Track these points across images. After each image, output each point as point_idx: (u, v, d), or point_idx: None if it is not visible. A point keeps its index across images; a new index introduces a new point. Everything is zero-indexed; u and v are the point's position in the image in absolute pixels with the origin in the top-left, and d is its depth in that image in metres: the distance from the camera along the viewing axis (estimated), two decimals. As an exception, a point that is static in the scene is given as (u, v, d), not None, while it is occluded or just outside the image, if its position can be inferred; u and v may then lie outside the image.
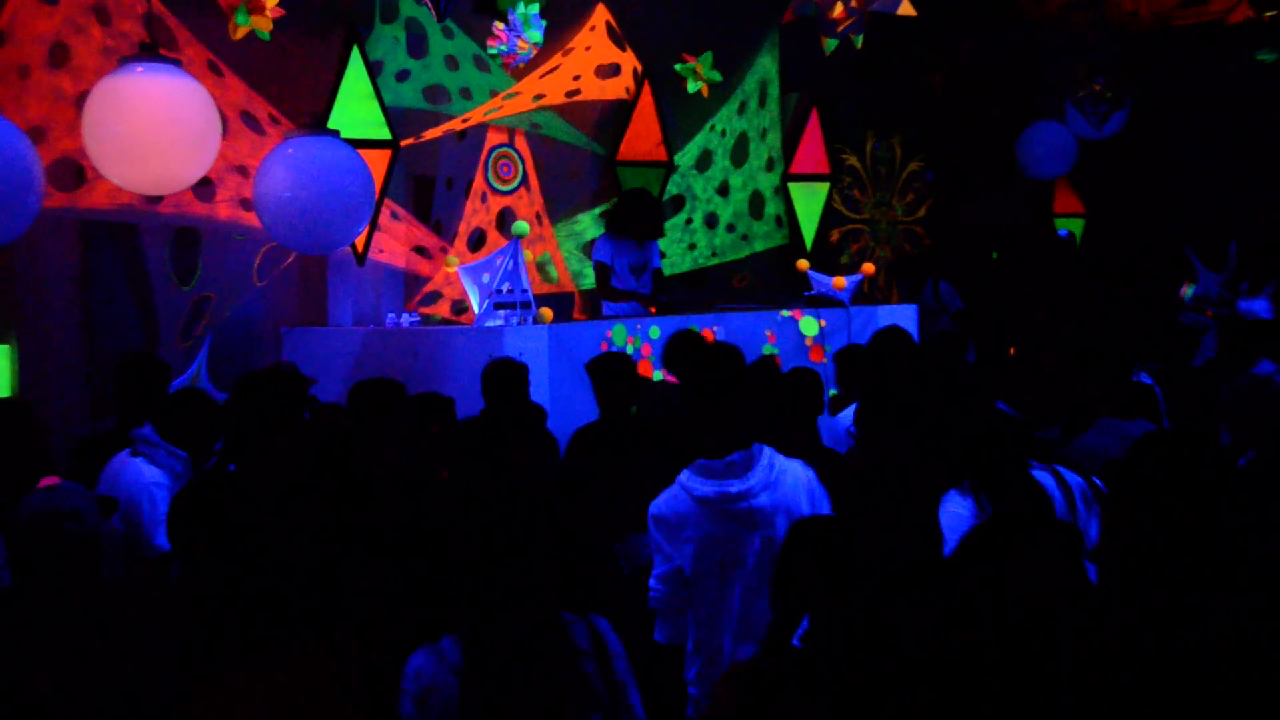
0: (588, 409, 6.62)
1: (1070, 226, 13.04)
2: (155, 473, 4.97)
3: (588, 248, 9.37)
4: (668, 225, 10.32)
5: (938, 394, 5.50)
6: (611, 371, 5.99)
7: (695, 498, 4.13)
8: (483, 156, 9.01)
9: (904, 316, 9.06)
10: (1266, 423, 4.89)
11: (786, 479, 4.17)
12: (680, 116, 10.27)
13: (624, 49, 9.70)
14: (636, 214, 8.71)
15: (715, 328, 8.04)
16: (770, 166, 11.01)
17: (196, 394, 5.33)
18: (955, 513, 4.15)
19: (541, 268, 9.36)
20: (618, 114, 9.87)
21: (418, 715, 3.08)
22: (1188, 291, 10.03)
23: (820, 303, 8.76)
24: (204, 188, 7.33)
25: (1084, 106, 11.44)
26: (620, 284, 8.55)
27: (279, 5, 7.17)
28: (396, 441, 5.12)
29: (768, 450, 4.19)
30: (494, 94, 8.89)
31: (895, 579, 2.92)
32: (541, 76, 9.11)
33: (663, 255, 9.70)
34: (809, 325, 8.58)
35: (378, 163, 7.69)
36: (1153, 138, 12.27)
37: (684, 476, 4.18)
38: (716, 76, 10.13)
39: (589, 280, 9.34)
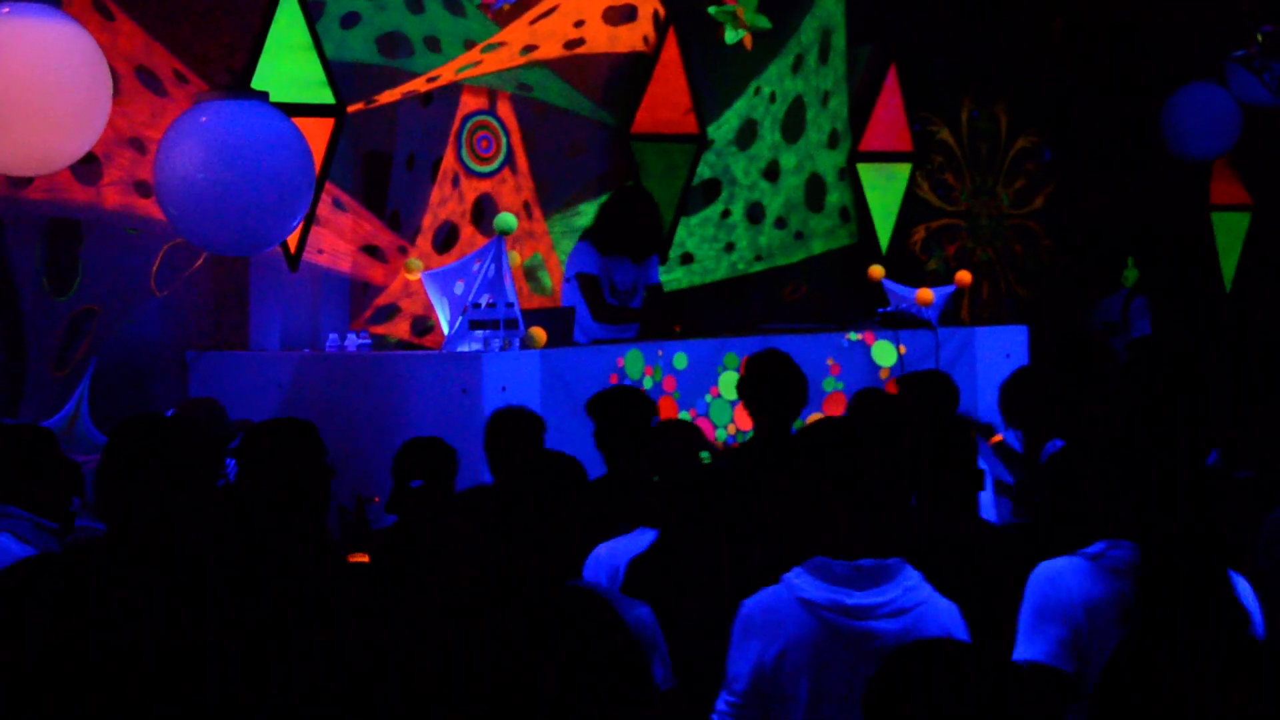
0: (590, 460, 6.63)
1: (1231, 222, 13.05)
2: (26, 552, 5.02)
3: None
4: (697, 219, 10.36)
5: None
6: (620, 414, 6.02)
7: (800, 599, 4.13)
8: (454, 127, 9.06)
9: (1012, 340, 9.06)
10: None
11: (928, 610, 4.15)
12: (715, 75, 10.32)
13: (642, -14, 9.79)
14: (632, 223, 8.57)
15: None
16: (834, 142, 11.05)
17: (42, 438, 5.46)
18: None
19: (531, 274, 9.40)
20: (633, 72, 9.92)
21: None
22: None
23: (899, 322, 8.77)
24: (87, 167, 7.37)
25: (1253, 64, 11.45)
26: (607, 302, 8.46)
27: (189, -73, 7.26)
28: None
29: (911, 570, 4.20)
30: (470, 45, 8.94)
31: None
32: (533, 22, 9.16)
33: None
34: (885, 352, 8.59)
35: (317, 135, 7.74)
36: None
37: (792, 574, 4.19)
38: (764, 23, 10.17)
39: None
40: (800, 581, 4.15)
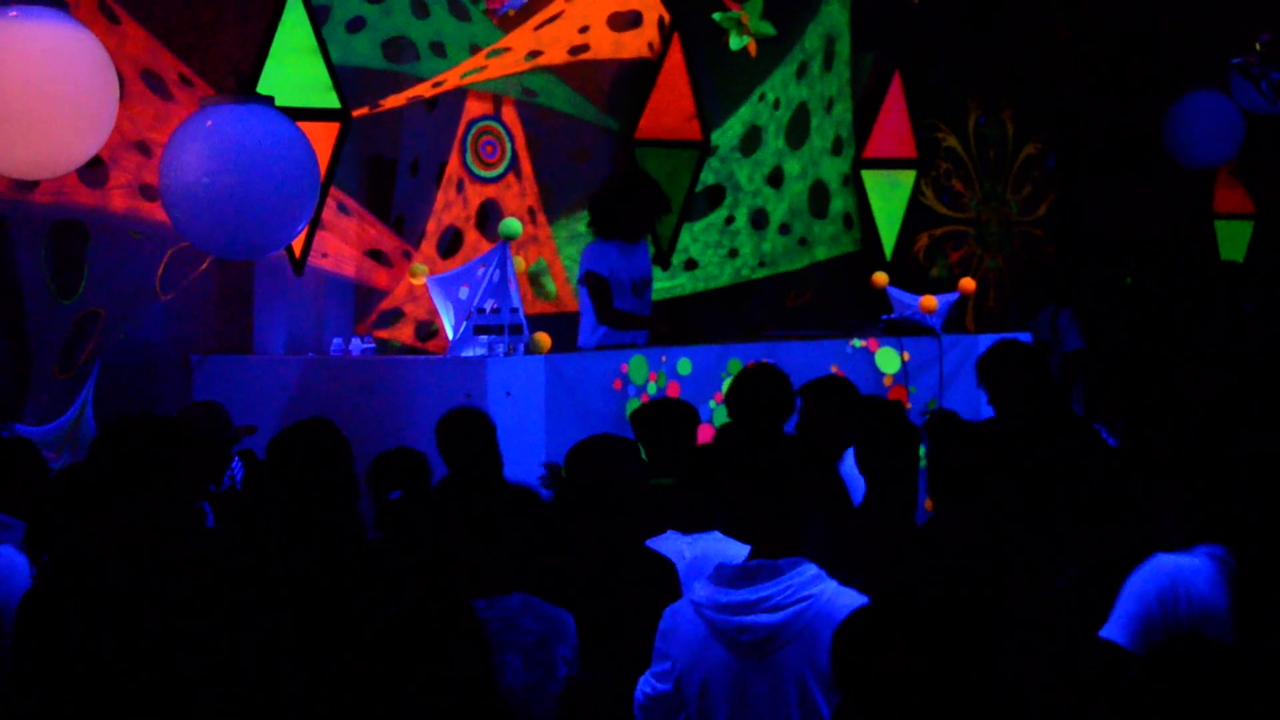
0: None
1: (1234, 230, 13.05)
2: (24, 561, 5.02)
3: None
4: (701, 225, 10.36)
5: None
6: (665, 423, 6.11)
7: (693, 600, 4.36)
8: (459, 132, 9.07)
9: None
10: None
11: (815, 604, 4.25)
12: (720, 82, 10.32)
13: (647, -8, 9.79)
14: (629, 199, 8.51)
15: (763, 361, 8.05)
16: (838, 149, 11.05)
17: (20, 445, 5.47)
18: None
19: (535, 279, 9.40)
20: (638, 78, 9.92)
21: None
22: None
23: (903, 329, 8.78)
24: (93, 170, 7.37)
25: (1250, 72, 11.46)
26: (621, 305, 8.41)
27: (195, -69, 7.27)
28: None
29: (807, 567, 4.30)
30: (475, 50, 8.94)
31: None
32: (538, 28, 9.17)
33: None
34: (888, 359, 8.60)
35: (322, 139, 7.74)
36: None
37: (700, 580, 4.41)
38: (768, 29, 10.17)
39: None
40: (698, 584, 4.38)
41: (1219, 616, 4.05)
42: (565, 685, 4.36)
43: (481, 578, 4.38)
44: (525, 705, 4.25)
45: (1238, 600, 4.02)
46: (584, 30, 9.39)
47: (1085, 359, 11.20)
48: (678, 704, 4.41)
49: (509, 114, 9.30)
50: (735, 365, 8.04)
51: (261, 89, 7.57)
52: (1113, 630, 4.15)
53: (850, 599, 4.28)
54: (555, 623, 4.40)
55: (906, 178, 11.21)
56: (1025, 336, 9.29)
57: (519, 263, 8.10)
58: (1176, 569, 4.18)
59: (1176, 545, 4.29)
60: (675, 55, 9.95)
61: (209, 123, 7.14)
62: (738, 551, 4.68)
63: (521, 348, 7.35)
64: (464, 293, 7.52)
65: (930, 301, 8.85)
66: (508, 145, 9.28)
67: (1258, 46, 11.50)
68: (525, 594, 4.43)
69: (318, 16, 7.91)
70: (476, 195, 9.14)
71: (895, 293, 9.13)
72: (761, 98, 10.58)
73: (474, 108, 9.13)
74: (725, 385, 7.99)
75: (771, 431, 6.66)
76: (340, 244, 8.40)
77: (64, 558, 4.44)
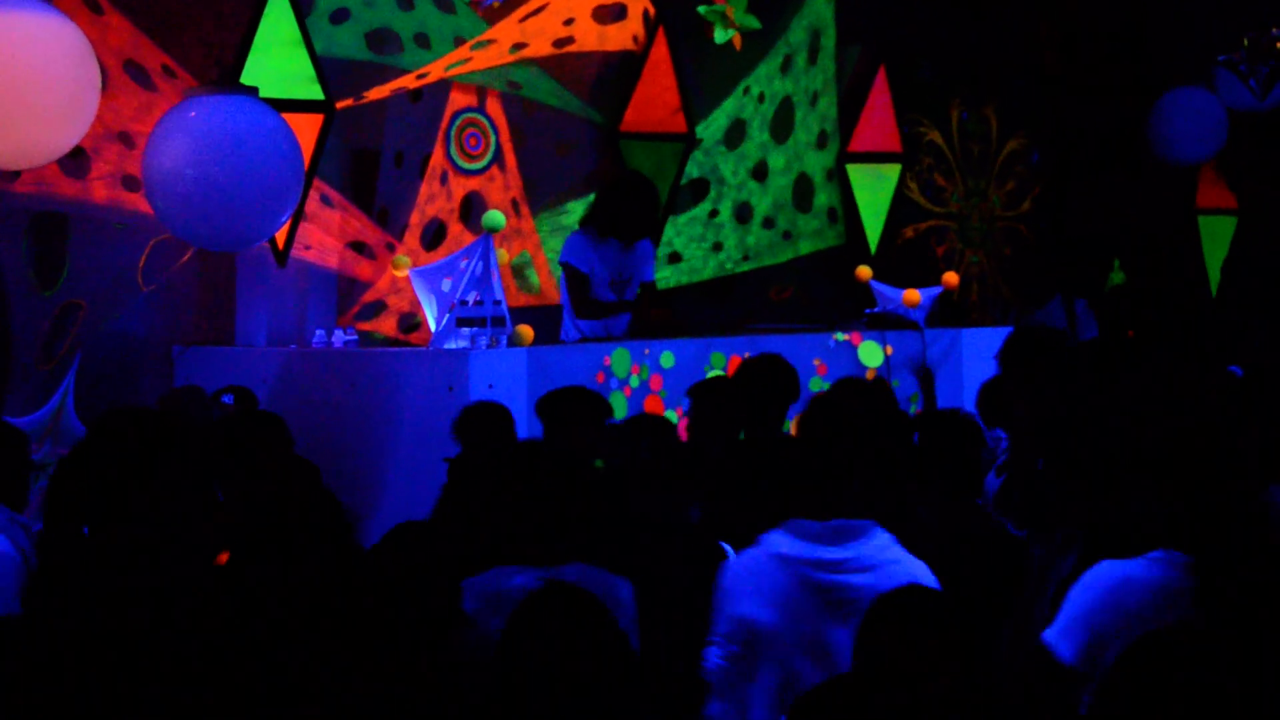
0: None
1: (1217, 226, 13.07)
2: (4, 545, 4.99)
3: None
4: (685, 218, 10.36)
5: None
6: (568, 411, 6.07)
7: (776, 555, 4.36)
8: (443, 125, 9.06)
9: (999, 342, 9.06)
10: None
11: (897, 567, 4.35)
12: (704, 75, 10.32)
13: (632, -15, 9.78)
14: (632, 202, 8.60)
15: (746, 354, 8.06)
16: (823, 143, 11.05)
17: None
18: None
19: (519, 272, 9.39)
20: (622, 71, 9.92)
21: None
22: None
23: (887, 323, 8.78)
24: (75, 160, 7.35)
25: (1239, 68, 11.48)
26: (595, 292, 8.47)
27: (179, -78, 7.25)
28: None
29: (881, 531, 4.44)
30: (459, 42, 8.93)
31: None
32: (523, 20, 9.15)
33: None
34: (871, 353, 8.60)
35: (306, 130, 7.73)
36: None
37: (770, 534, 4.43)
38: (753, 23, 10.17)
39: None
40: (777, 540, 4.39)
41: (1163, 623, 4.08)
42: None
43: (536, 548, 4.35)
44: None
45: (1199, 607, 4.02)
46: (569, 23, 9.38)
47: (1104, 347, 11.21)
48: (753, 664, 4.37)
49: (493, 106, 9.29)
50: (719, 358, 8.03)
51: (245, 80, 7.57)
52: (1051, 633, 4.20)
53: (922, 567, 4.40)
54: (612, 593, 4.34)
55: (891, 172, 11.21)
56: (1007, 332, 9.29)
57: (502, 255, 8.08)
58: (1124, 575, 4.18)
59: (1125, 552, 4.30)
60: (660, 48, 9.95)
61: (192, 114, 7.13)
62: None
63: (504, 340, 7.34)
64: (447, 285, 7.51)
65: (913, 296, 8.86)
66: (492, 137, 9.27)
67: (1245, 43, 11.52)
68: (583, 564, 4.39)
69: (302, 8, 7.90)
70: (460, 187, 9.13)
71: (878, 287, 9.13)
72: (746, 91, 10.58)
73: (458, 100, 9.12)
74: (709, 377, 8.00)
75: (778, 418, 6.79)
76: (323, 236, 8.39)
77: (62, 561, 4.43)
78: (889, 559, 4.36)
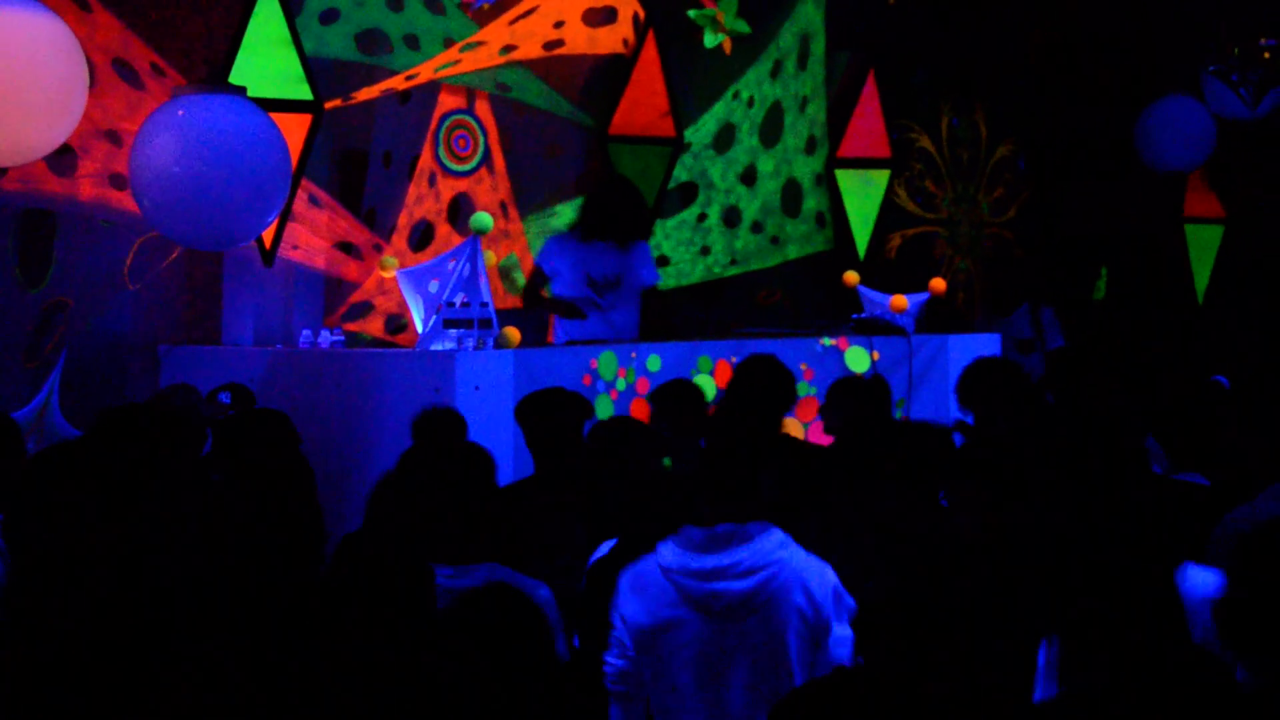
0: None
1: (1204, 235, 13.09)
2: None
3: None
4: (673, 221, 10.35)
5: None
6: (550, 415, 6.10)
7: (660, 566, 4.44)
8: (432, 126, 9.05)
9: (986, 348, 9.08)
10: None
11: (783, 569, 4.39)
12: (694, 79, 10.32)
13: (622, -12, 9.78)
14: (612, 204, 8.65)
15: (732, 358, 8.07)
16: (811, 148, 11.06)
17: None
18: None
19: (506, 274, 9.39)
20: (612, 74, 9.91)
21: None
22: None
23: (874, 329, 8.79)
24: (62, 158, 7.34)
25: (1234, 78, 11.48)
26: (570, 291, 8.56)
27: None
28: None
29: (775, 533, 4.44)
30: (449, 43, 8.92)
31: None
32: (512, 22, 9.15)
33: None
34: (858, 358, 8.60)
35: (294, 130, 7.72)
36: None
37: (661, 543, 4.49)
38: (743, 27, 10.17)
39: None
40: (664, 549, 4.45)
41: None
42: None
43: (447, 546, 4.39)
44: None
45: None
46: (559, 25, 9.37)
47: (1069, 357, 11.20)
48: (643, 670, 4.48)
49: (482, 108, 9.29)
50: (705, 362, 8.04)
51: (234, 79, 7.55)
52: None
53: (816, 565, 4.43)
54: (530, 594, 4.29)
55: (880, 177, 11.22)
56: (995, 338, 9.31)
57: (490, 257, 8.10)
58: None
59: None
60: (650, 52, 9.95)
61: (180, 112, 7.11)
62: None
63: (491, 342, 7.34)
64: (434, 286, 7.51)
65: (900, 301, 8.87)
66: (480, 139, 9.27)
67: (1235, 51, 11.53)
68: (495, 564, 4.44)
69: (291, 8, 7.89)
70: (448, 189, 9.13)
71: (867, 292, 9.14)
72: (735, 95, 10.58)
73: (447, 101, 9.11)
74: (695, 382, 8.00)
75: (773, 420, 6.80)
76: (311, 236, 8.38)
77: (42, 555, 4.41)
78: (778, 559, 4.38)
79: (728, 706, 4.41)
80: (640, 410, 7.71)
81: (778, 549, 4.41)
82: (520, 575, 4.48)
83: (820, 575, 4.46)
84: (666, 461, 5.85)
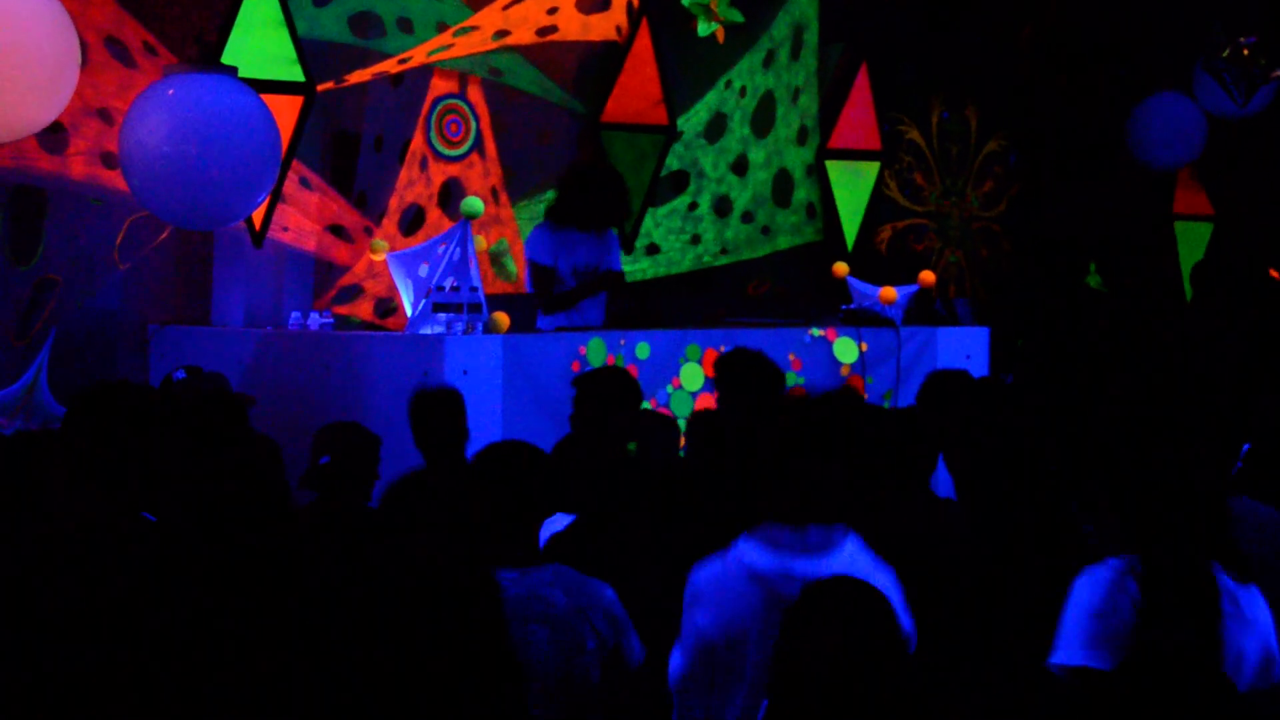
0: (549, 443, 6.61)
1: (1193, 232, 13.10)
2: None
3: None
4: (664, 210, 10.34)
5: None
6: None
7: (748, 570, 4.18)
8: (424, 110, 9.03)
9: (973, 341, 9.08)
10: None
11: (870, 580, 4.10)
12: (687, 68, 10.30)
13: (617, -24, 9.76)
14: (596, 189, 8.58)
15: (721, 348, 8.05)
16: (803, 139, 11.04)
17: None
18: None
19: (496, 259, 9.37)
20: (605, 61, 9.89)
21: None
22: None
23: (862, 320, 8.78)
24: (53, 136, 7.31)
25: (1222, 74, 11.47)
26: (558, 291, 8.47)
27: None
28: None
29: (853, 538, 4.27)
30: (442, 27, 8.89)
31: None
32: (506, 7, 9.12)
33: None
34: (846, 349, 8.59)
35: (285, 112, 7.70)
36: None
37: (741, 542, 4.24)
38: (736, 16, 10.15)
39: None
40: (748, 550, 4.20)
41: None
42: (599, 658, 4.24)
43: (511, 549, 4.26)
44: (547, 677, 4.11)
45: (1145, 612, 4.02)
46: (552, 12, 9.35)
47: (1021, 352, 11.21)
48: (714, 676, 4.23)
49: (474, 93, 9.27)
50: (694, 350, 8.03)
51: (226, 60, 7.53)
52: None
53: (886, 580, 4.23)
54: (588, 595, 4.25)
55: (870, 169, 11.21)
56: (983, 331, 9.30)
57: (480, 242, 8.07)
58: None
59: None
60: (643, 40, 9.93)
61: (171, 91, 7.09)
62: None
63: (480, 327, 7.32)
64: (424, 270, 7.49)
65: (889, 293, 8.86)
66: (472, 124, 9.24)
67: (1226, 50, 11.52)
68: (559, 565, 4.32)
69: (285, -11, 7.87)
70: (440, 173, 9.11)
71: (856, 284, 9.13)
72: (728, 85, 10.56)
73: (439, 86, 9.09)
74: (683, 370, 7.98)
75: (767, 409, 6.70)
76: (301, 218, 8.36)
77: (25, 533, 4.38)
78: (860, 569, 4.15)
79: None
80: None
81: (859, 556, 4.24)
82: (582, 576, 4.32)
83: (892, 587, 4.23)
84: (631, 446, 5.83)
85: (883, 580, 4.21)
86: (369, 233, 8.65)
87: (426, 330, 7.30)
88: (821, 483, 4.25)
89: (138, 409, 5.21)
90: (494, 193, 9.38)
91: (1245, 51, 11.36)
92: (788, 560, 4.15)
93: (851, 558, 4.22)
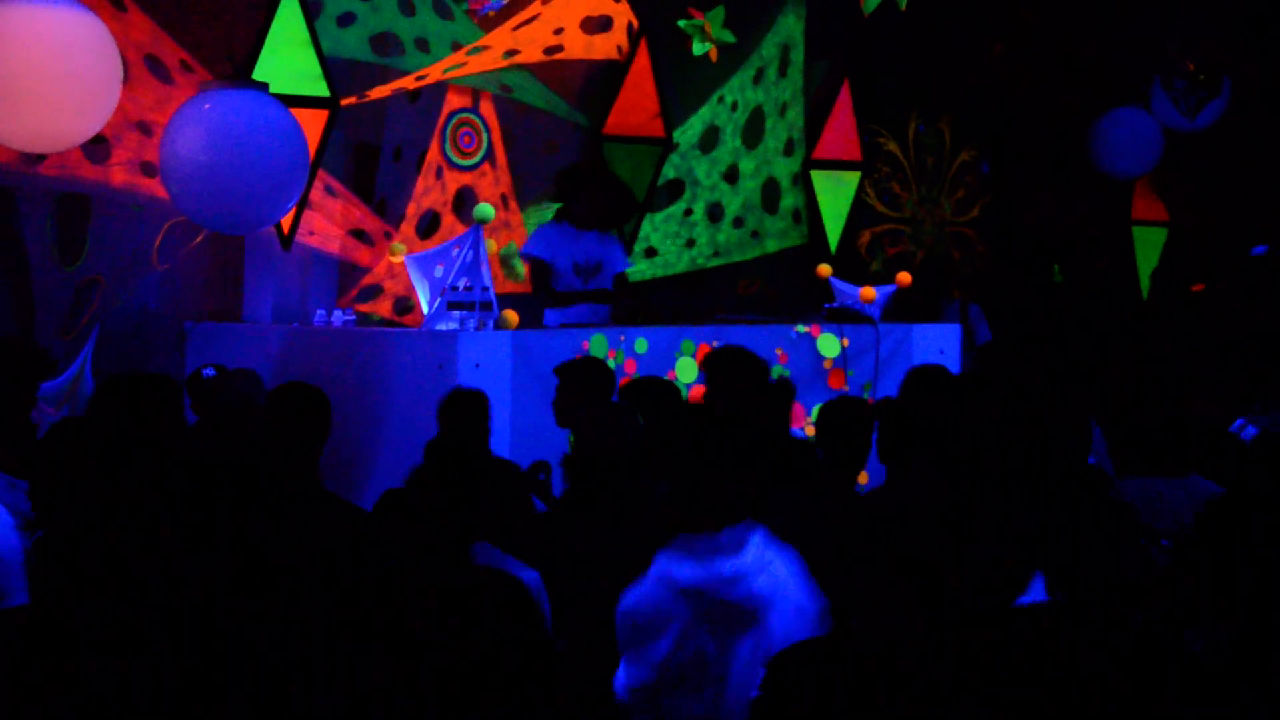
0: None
1: (1150, 236, 13.11)
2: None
3: None
4: (661, 215, 10.36)
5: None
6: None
7: (678, 586, 3.99)
8: (440, 123, 9.04)
9: (946, 337, 9.10)
10: None
11: (779, 566, 4.05)
12: (682, 84, 10.32)
13: (618, -1, 9.77)
14: (620, 196, 8.63)
15: (713, 343, 8.07)
16: (789, 150, 11.06)
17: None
18: None
19: (506, 261, 9.39)
20: (607, 78, 9.91)
21: None
22: None
23: (844, 317, 8.79)
24: (97, 147, 7.33)
25: (1176, 91, 11.50)
26: (560, 286, 8.49)
27: (198, -72, 7.23)
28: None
29: (760, 530, 4.08)
30: (456, 47, 8.91)
31: None
32: (516, 28, 9.14)
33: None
34: (829, 344, 8.61)
35: (312, 125, 7.72)
36: (1256, 131, 12.34)
37: (662, 560, 4.05)
38: (729, 37, 10.17)
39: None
40: (671, 565, 4.02)
41: None
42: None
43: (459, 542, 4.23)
44: None
45: None
46: (558, 32, 9.37)
47: (995, 352, 11.20)
48: (659, 690, 4.03)
49: (486, 108, 9.28)
50: (688, 345, 8.04)
51: (257, 77, 7.55)
52: None
53: (789, 560, 4.10)
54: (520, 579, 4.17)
55: (851, 178, 11.23)
56: (955, 329, 9.31)
57: (491, 245, 8.10)
58: None
59: None
60: (642, 58, 9.95)
61: (207, 106, 7.11)
62: None
63: (491, 324, 7.34)
64: (439, 271, 7.50)
65: (869, 292, 8.87)
66: (484, 136, 9.26)
67: (1190, 66, 11.54)
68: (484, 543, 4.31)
69: (311, 10, 7.89)
70: (454, 181, 9.13)
71: (837, 283, 9.14)
72: (720, 100, 10.58)
73: (454, 101, 9.11)
74: (678, 364, 8.00)
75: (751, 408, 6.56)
76: (326, 223, 8.38)
77: (61, 519, 4.32)
78: (771, 556, 4.03)
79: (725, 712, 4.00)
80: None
81: (764, 544, 4.04)
82: (512, 559, 4.29)
83: (795, 569, 4.10)
84: (572, 438, 5.76)
85: (787, 561, 4.08)
86: (388, 236, 8.66)
87: (442, 327, 7.32)
88: (728, 489, 4.04)
89: (154, 399, 5.21)
90: (504, 199, 9.39)
91: (1193, 69, 11.39)
92: (709, 565, 3.97)
93: (763, 545, 4.05)
